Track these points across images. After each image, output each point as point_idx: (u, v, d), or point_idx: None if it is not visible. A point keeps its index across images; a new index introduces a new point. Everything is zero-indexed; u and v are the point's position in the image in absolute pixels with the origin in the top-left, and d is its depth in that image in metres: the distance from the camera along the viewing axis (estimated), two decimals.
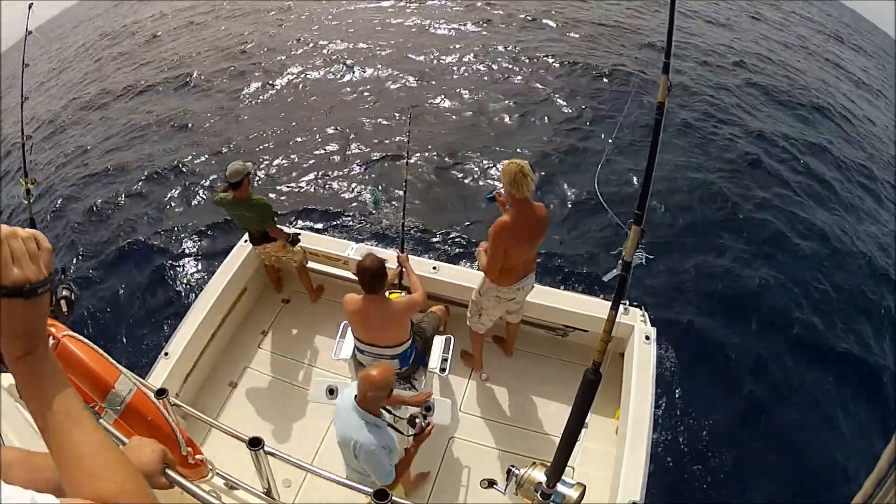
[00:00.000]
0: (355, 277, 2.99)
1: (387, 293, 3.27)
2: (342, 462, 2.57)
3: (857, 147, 11.05)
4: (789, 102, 12.28)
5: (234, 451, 2.03)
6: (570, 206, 7.79)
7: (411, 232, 6.94)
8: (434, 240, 7.03)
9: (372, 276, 2.92)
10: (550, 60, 13.06)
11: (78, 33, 24.96)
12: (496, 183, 8.26)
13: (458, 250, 6.85)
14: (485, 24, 16.35)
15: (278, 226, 4.02)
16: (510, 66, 12.98)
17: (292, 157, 9.28)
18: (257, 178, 8.53)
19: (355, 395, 2.51)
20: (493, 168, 8.57)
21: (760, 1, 23.82)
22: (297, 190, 8.37)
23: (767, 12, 22.74)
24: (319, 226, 7.35)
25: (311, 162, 9.09)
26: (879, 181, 9.90)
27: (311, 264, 4.48)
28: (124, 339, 5.81)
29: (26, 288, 0.67)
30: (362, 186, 8.28)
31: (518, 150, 9.09)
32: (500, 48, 14.03)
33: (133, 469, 0.80)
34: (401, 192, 7.23)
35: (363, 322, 3.04)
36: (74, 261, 7.14)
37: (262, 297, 4.54)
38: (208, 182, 8.65)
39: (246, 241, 4.24)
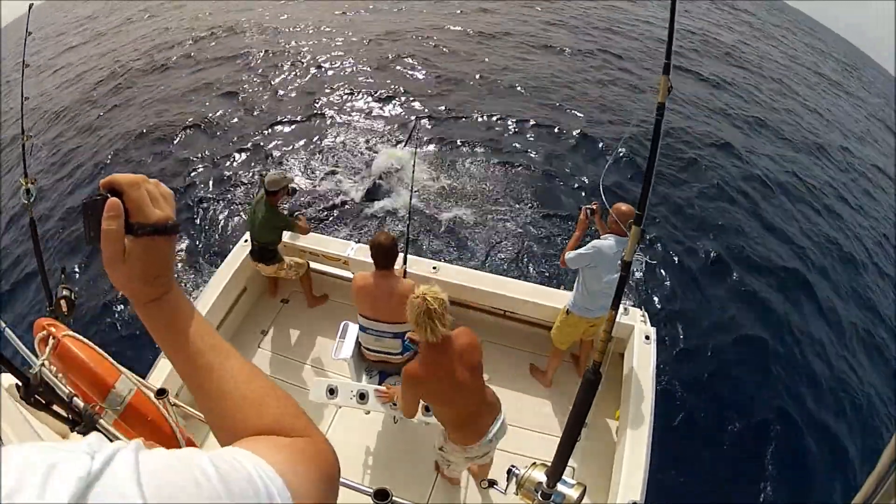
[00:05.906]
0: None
1: None
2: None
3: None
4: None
5: None
6: (571, 206, 7.79)
7: (416, 230, 6.95)
8: (436, 238, 7.03)
9: (386, 252, 3.10)
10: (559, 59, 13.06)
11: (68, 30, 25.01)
12: (498, 181, 8.26)
13: (460, 249, 6.85)
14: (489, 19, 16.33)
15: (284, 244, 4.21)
16: (516, 64, 12.98)
17: (298, 154, 9.28)
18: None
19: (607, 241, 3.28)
20: (498, 166, 8.60)
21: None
22: (301, 189, 8.35)
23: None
24: (319, 225, 7.35)
25: (313, 162, 9.09)
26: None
27: (310, 264, 4.47)
28: (124, 339, 5.80)
29: (169, 224, 0.69)
30: (363, 184, 8.27)
31: (518, 145, 9.10)
32: (509, 45, 14.01)
33: (279, 388, 0.74)
34: (406, 190, 7.25)
35: (371, 296, 3.13)
36: (74, 260, 7.14)
37: (262, 297, 4.53)
38: (209, 182, 8.65)
39: (247, 240, 4.25)
